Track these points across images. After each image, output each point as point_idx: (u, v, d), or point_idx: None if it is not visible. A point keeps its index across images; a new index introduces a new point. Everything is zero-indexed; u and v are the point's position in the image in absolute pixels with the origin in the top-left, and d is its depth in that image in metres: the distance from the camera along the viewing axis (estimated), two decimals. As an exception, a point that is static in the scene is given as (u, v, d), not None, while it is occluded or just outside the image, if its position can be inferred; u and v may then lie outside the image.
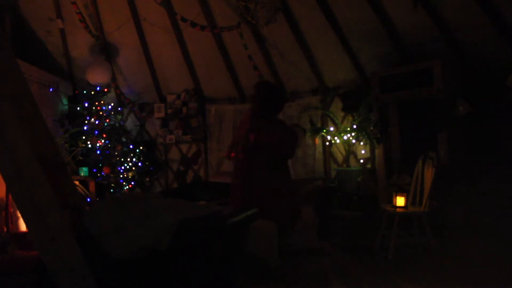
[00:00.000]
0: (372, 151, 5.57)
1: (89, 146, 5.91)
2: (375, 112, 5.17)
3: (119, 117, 6.47)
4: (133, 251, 2.72)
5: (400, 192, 4.13)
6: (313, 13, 5.29)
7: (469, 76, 4.85)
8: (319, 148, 5.98)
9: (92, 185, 5.63)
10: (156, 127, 6.74)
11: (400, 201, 4.07)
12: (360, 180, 5.37)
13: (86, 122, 5.98)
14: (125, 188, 6.10)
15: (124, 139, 6.36)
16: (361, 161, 5.68)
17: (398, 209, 4.02)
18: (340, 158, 5.87)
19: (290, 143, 3.79)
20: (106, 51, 6.22)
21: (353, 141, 5.60)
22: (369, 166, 5.61)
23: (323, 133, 5.78)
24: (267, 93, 4.05)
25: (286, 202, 4.03)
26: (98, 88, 6.13)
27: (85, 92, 6.19)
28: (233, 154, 4.03)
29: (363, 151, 5.65)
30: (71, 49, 6.31)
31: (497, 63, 4.65)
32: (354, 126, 5.50)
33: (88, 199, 5.43)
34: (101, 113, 6.06)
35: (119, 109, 6.47)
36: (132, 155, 6.27)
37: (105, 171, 5.96)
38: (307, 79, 5.97)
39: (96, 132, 5.96)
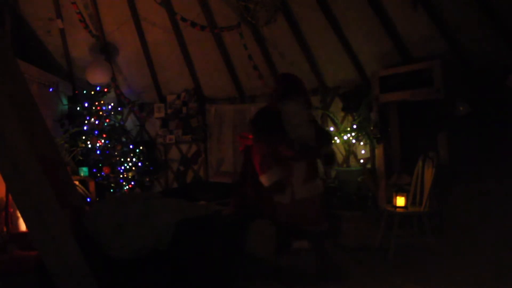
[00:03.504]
0: (372, 151, 5.57)
1: (89, 146, 5.90)
2: (375, 112, 5.17)
3: (119, 117, 6.47)
4: (133, 251, 2.72)
5: (400, 192, 4.12)
6: (313, 13, 5.29)
7: (469, 76, 4.85)
8: (319, 148, 5.97)
9: (92, 185, 5.62)
10: (156, 127, 6.75)
11: (400, 201, 4.06)
12: (360, 180, 5.36)
13: (86, 122, 5.98)
14: (125, 188, 6.10)
15: (124, 139, 6.36)
16: (361, 161, 5.68)
17: (398, 209, 4.02)
18: (340, 158, 5.87)
19: None
20: (106, 51, 6.22)
21: (353, 141, 5.60)
22: (369, 166, 5.61)
23: (323, 133, 5.77)
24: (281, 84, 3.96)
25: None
26: (98, 88, 6.13)
27: (85, 92, 6.19)
28: (241, 148, 3.95)
29: (363, 151, 5.65)
30: (71, 49, 6.31)
31: (497, 63, 4.65)
32: (354, 126, 5.50)
33: (88, 199, 5.43)
34: (101, 113, 6.06)
35: (119, 109, 6.48)
36: (132, 155, 6.27)
37: (105, 171, 5.96)
38: (307, 79, 5.95)
39: (96, 132, 5.96)
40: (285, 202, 3.52)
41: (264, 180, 3.51)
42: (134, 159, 6.27)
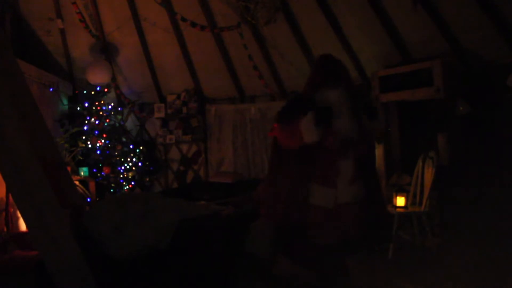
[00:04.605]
0: (372, 151, 5.56)
1: (89, 146, 5.90)
2: (375, 112, 5.17)
3: (119, 117, 6.47)
4: (133, 251, 2.72)
5: (400, 192, 4.13)
6: (313, 13, 5.28)
7: (469, 76, 4.85)
8: (319, 148, 5.96)
9: (92, 185, 5.63)
10: (156, 127, 6.75)
11: (400, 201, 4.07)
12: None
13: (86, 122, 5.98)
14: (125, 188, 6.10)
15: (124, 139, 6.36)
16: (361, 161, 5.67)
17: (398, 209, 4.02)
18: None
19: None
20: (106, 51, 6.22)
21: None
22: (369, 166, 5.60)
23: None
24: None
25: None
26: (98, 88, 6.13)
27: (85, 92, 6.18)
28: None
29: (363, 151, 5.63)
30: (71, 49, 6.31)
31: (497, 63, 4.65)
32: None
33: (88, 199, 5.44)
34: (101, 113, 6.06)
35: (119, 109, 6.48)
36: (132, 155, 6.27)
37: (105, 171, 5.96)
38: (307, 79, 5.95)
39: (96, 132, 5.96)
40: (329, 207, 2.91)
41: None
42: (134, 159, 6.27)
